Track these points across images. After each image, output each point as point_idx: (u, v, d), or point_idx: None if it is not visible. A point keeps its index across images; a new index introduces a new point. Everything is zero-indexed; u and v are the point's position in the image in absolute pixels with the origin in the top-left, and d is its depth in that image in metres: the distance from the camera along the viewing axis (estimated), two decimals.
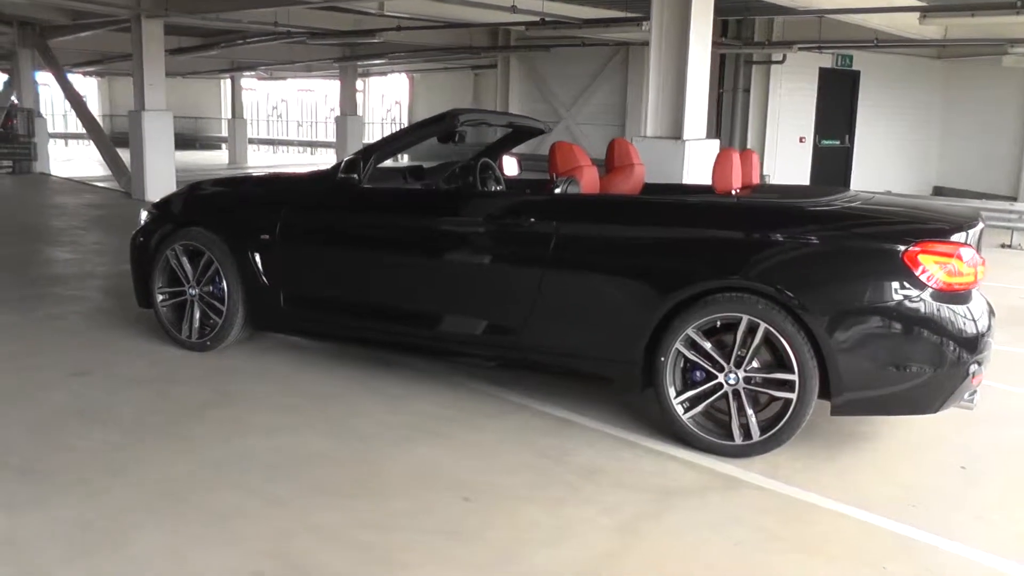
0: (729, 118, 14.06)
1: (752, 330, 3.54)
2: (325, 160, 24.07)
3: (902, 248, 3.43)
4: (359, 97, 36.88)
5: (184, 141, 26.01)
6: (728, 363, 3.58)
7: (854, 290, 3.48)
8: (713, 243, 3.71)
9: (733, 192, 4.06)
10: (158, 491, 3.14)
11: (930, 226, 3.65)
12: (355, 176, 4.39)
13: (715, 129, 14.25)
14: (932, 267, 3.42)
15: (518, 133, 5.56)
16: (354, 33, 13.09)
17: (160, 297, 4.96)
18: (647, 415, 3.95)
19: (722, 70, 14.07)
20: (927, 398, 3.53)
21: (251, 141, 29.63)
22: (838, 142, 14.16)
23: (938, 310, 3.41)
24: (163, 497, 3.10)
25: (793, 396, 3.50)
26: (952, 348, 3.44)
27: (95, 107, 29.75)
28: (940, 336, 3.43)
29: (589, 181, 4.34)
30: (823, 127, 13.90)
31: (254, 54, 20.26)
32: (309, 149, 32.57)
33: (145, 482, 3.21)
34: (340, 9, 11.27)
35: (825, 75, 13.68)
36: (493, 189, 4.81)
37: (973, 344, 3.49)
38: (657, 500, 3.21)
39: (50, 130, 19.26)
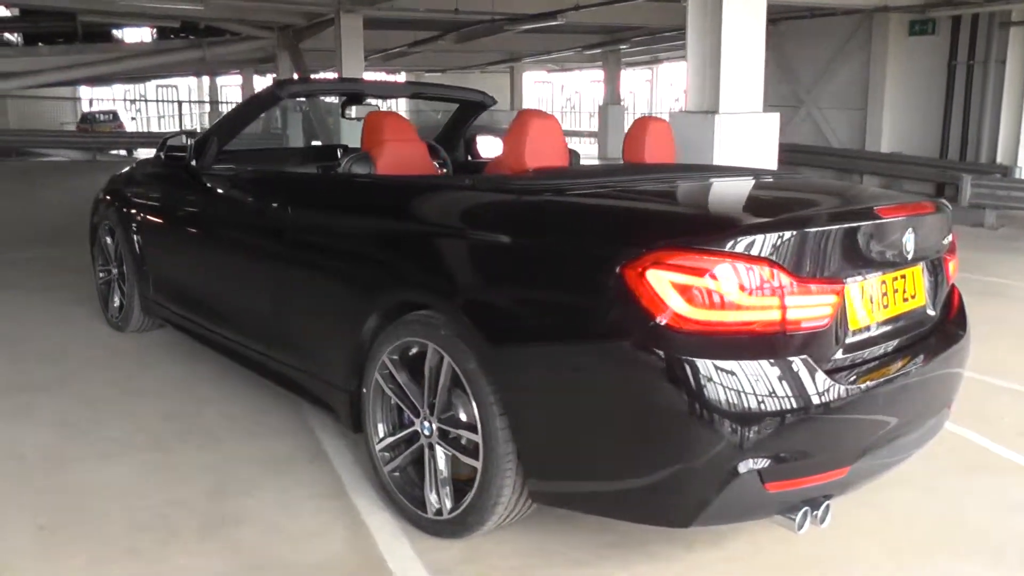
0: (980, 95, 11.21)
1: (440, 363, 2.59)
2: (589, 149, 23.78)
3: (620, 259, 2.17)
4: (647, 87, 36.53)
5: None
6: (423, 406, 2.68)
7: (541, 321, 2.35)
8: (402, 239, 2.81)
9: (529, 170, 3.00)
10: None
11: (677, 224, 2.37)
12: (162, 155, 4.13)
13: (964, 108, 11.53)
14: (666, 291, 2.13)
15: (465, 108, 4.85)
16: (534, 17, 12.68)
17: (99, 275, 5.10)
18: None
19: (973, 37, 11.26)
20: (664, 506, 2.24)
21: None
22: None
23: (679, 365, 2.10)
24: None
25: (479, 465, 2.50)
26: (704, 432, 2.10)
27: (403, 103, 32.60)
28: (678, 410, 2.10)
29: (398, 159, 3.48)
30: None
31: (506, 44, 20.65)
32: (591, 139, 32.88)
33: None
34: None
35: None
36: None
37: (749, 425, 2.13)
38: (238, 573, 2.48)
39: None
